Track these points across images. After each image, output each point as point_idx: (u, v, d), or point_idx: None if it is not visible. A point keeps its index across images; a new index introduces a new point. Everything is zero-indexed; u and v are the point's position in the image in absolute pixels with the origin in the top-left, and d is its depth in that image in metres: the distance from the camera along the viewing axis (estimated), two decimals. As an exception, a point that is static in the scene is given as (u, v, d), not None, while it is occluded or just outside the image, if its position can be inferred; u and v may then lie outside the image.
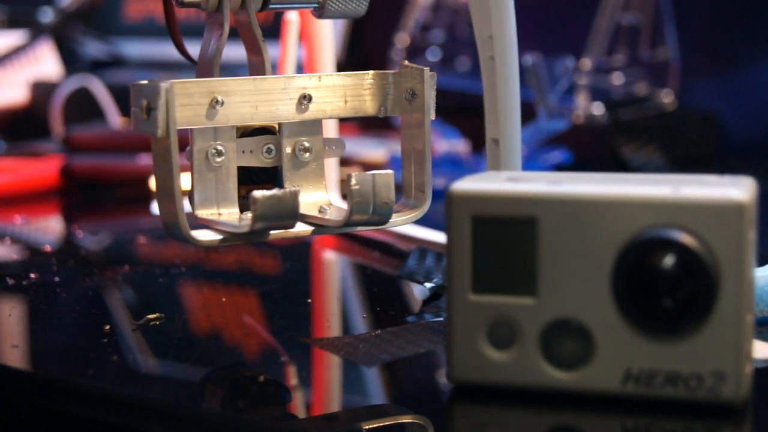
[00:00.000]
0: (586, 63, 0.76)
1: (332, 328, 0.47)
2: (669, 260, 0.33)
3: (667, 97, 0.79)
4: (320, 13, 0.45)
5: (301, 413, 0.36)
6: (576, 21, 0.78)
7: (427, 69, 0.46)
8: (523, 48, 0.48)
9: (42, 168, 0.73)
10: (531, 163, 0.70)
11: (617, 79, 0.77)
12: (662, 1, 0.78)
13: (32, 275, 0.52)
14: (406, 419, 0.35)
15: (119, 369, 0.40)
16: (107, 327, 0.45)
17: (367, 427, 0.34)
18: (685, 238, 0.33)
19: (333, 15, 0.45)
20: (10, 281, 0.51)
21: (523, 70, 0.50)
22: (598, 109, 0.75)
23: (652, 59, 0.78)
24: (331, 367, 0.41)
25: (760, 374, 0.36)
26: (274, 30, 0.59)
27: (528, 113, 0.65)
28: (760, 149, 0.80)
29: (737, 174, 0.35)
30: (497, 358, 0.35)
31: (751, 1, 0.82)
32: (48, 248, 0.62)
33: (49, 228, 0.67)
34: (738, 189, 0.33)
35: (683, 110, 0.80)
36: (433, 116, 0.45)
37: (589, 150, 0.73)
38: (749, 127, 0.82)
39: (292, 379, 0.39)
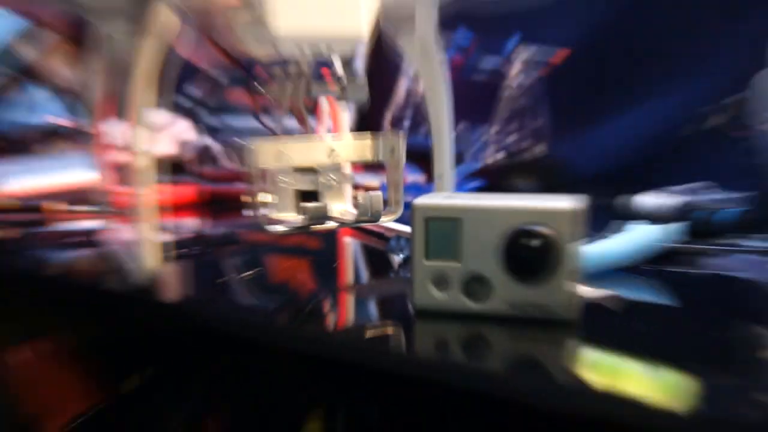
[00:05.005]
0: (492, 130, 0.76)
1: (348, 279, 0.47)
2: (535, 241, 0.34)
3: (540, 149, 0.79)
4: (341, 99, 0.45)
5: (331, 327, 0.37)
6: (488, 105, 0.79)
7: (401, 133, 0.46)
8: (457, 120, 0.48)
9: (186, 190, 0.73)
10: (460, 188, 0.70)
11: (511, 138, 0.78)
12: (538, 91, 0.79)
13: (182, 250, 0.52)
14: (389, 328, 0.36)
15: (229, 300, 0.40)
16: (222, 279, 0.45)
17: (369, 332, 0.35)
18: (544, 229, 0.34)
19: (349, 101, 0.46)
20: (174, 254, 0.52)
21: (456, 134, 0.51)
22: (499, 156, 0.76)
23: (531, 127, 0.79)
24: (348, 301, 0.41)
25: (584, 305, 0.36)
26: (312, 110, 0.59)
27: (459, 159, 0.66)
28: (595, 179, 0.80)
29: (576, 194, 0.36)
30: (439, 296, 0.36)
31: (590, 85, 0.82)
32: (189, 236, 0.62)
33: (188, 224, 0.67)
34: (575, 201, 0.35)
35: (550, 157, 0.80)
36: (404, 161, 0.46)
37: (494, 180, 0.73)
38: (589, 166, 0.81)
39: (325, 307, 0.40)
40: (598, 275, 0.43)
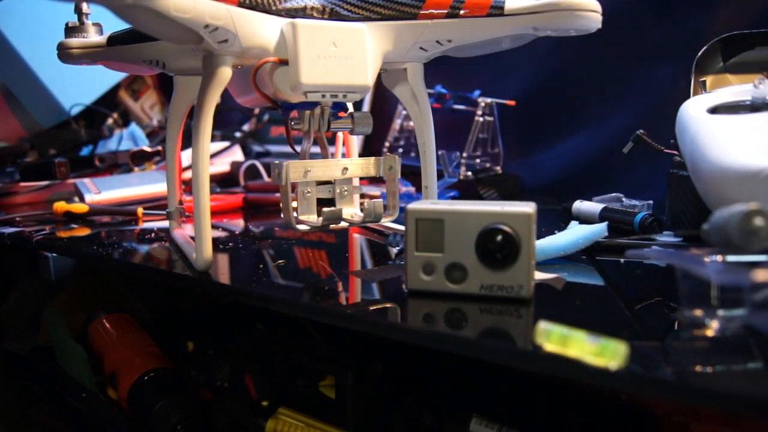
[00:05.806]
0: (464, 154, 0.76)
1: (357, 266, 0.46)
2: (500, 236, 0.33)
3: (497, 168, 0.79)
4: (351, 132, 0.44)
5: (343, 303, 0.36)
6: (461, 136, 0.78)
7: (397, 156, 0.46)
8: (438, 147, 0.48)
9: (235, 198, 0.72)
10: (441, 196, 0.69)
11: (478, 160, 0.77)
12: (495, 127, 0.78)
13: (230, 243, 0.52)
14: (388, 304, 0.34)
15: (266, 282, 0.39)
16: (261, 265, 0.44)
17: (372, 306, 0.34)
18: (507, 228, 0.33)
19: (357, 133, 0.45)
20: (225, 246, 0.51)
21: (438, 157, 0.50)
22: (469, 173, 0.75)
23: (492, 152, 0.78)
24: (356, 283, 0.40)
25: (538, 286, 0.36)
26: (331, 139, 0.58)
27: (440, 175, 0.65)
28: (539, 190, 0.80)
29: (528, 201, 0.35)
30: (426, 279, 0.34)
31: (532, 122, 0.82)
32: (237, 232, 0.61)
33: (238, 224, 0.66)
34: (528, 207, 0.33)
35: (504, 174, 0.80)
36: (399, 176, 0.45)
37: (466, 191, 0.73)
38: (535, 181, 0.81)
39: (340, 287, 0.38)
40: (548, 262, 0.42)
